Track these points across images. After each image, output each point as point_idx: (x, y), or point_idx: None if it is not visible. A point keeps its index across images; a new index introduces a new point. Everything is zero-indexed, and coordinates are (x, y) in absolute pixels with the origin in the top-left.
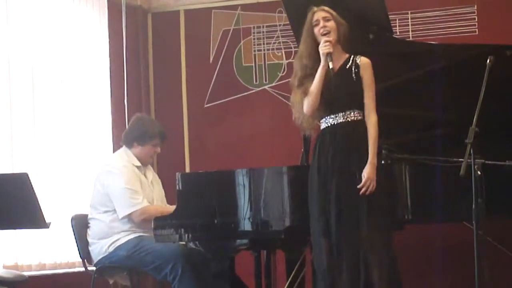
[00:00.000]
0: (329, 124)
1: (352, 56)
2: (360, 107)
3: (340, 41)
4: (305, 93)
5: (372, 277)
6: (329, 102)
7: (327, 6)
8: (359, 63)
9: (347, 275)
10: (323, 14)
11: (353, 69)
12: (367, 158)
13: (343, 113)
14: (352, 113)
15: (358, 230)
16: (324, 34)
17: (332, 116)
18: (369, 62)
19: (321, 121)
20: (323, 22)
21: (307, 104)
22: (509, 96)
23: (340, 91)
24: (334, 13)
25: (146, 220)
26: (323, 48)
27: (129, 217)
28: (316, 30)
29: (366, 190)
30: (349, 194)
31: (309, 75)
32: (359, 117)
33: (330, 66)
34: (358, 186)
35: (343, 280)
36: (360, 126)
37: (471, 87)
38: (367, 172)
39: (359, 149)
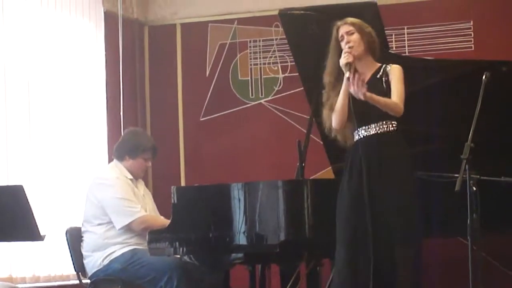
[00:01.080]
0: (362, 136)
1: (383, 66)
2: (392, 117)
3: (369, 51)
4: (332, 109)
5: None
6: (361, 113)
7: (331, 20)
8: (388, 71)
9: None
10: (346, 28)
11: (383, 78)
12: (401, 170)
13: (375, 124)
14: (385, 124)
15: (391, 242)
16: (349, 48)
17: (364, 127)
18: (399, 67)
19: (354, 133)
20: (347, 37)
21: (335, 120)
22: (505, 112)
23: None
24: (357, 22)
25: (146, 229)
26: (341, 60)
27: (128, 227)
28: (342, 45)
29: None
30: (382, 207)
31: (335, 91)
32: (392, 128)
33: (346, 75)
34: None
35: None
36: (393, 137)
37: (466, 102)
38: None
39: (392, 161)
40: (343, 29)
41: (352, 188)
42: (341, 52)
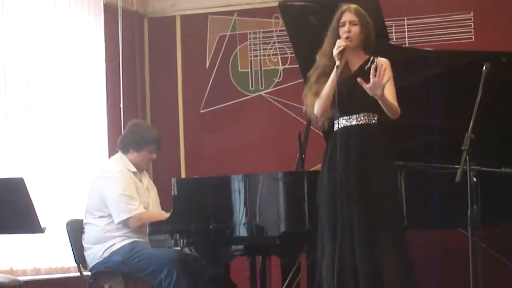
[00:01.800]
0: (342, 126)
1: (372, 58)
2: (375, 110)
3: (363, 45)
4: (317, 94)
5: (385, 278)
6: (343, 103)
7: (330, 12)
8: (377, 65)
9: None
10: (351, 17)
11: (371, 70)
12: (380, 163)
13: (357, 115)
14: (366, 116)
15: (371, 233)
16: (346, 38)
17: (345, 117)
18: (387, 62)
19: (334, 122)
20: (349, 26)
21: (318, 106)
22: (505, 102)
23: (355, 93)
24: (362, 15)
25: (142, 226)
26: (334, 49)
27: (125, 223)
28: (341, 31)
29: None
30: (361, 199)
31: (327, 75)
32: (373, 121)
33: (337, 64)
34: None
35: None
36: (373, 129)
37: (467, 93)
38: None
39: (372, 153)
40: (348, 16)
41: (331, 179)
42: (338, 36)
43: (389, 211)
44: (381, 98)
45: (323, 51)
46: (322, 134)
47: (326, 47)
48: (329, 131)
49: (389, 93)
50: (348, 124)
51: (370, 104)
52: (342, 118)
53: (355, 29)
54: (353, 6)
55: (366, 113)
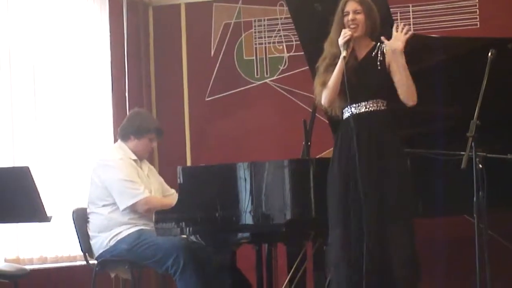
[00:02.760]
0: (351, 113)
1: (378, 44)
2: (384, 96)
3: (369, 33)
4: (324, 84)
5: (394, 264)
6: (352, 91)
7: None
8: (385, 51)
9: (369, 263)
10: (354, 6)
11: (378, 56)
12: (391, 149)
13: (366, 102)
14: (375, 102)
15: (381, 219)
16: (352, 27)
17: (355, 105)
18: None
19: (343, 110)
20: (352, 15)
21: (325, 97)
22: (511, 89)
23: (364, 80)
24: (366, 2)
25: (150, 210)
26: (340, 39)
27: (132, 208)
28: (345, 20)
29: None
30: (372, 186)
31: (336, 64)
32: (382, 107)
33: (343, 54)
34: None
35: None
36: (383, 116)
37: (472, 80)
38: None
39: (382, 139)
40: (352, 5)
41: (342, 166)
42: (343, 25)
43: (401, 198)
44: (400, 53)
45: (330, 41)
46: (329, 123)
47: (333, 37)
48: (338, 121)
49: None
50: (358, 112)
51: (379, 91)
52: (351, 106)
53: (360, 17)
54: None
55: (375, 100)
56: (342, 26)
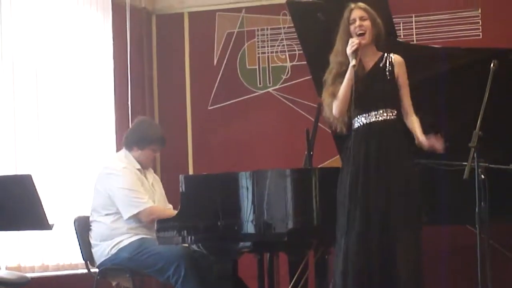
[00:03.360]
0: (362, 123)
1: (385, 55)
2: (393, 106)
3: (374, 41)
4: (334, 95)
5: (398, 273)
6: (361, 101)
7: (339, 8)
8: (393, 62)
9: (377, 273)
10: (360, 13)
11: (387, 67)
12: (401, 158)
13: (376, 112)
14: (385, 112)
15: (392, 228)
16: (360, 34)
17: (365, 115)
18: (403, 61)
19: (353, 120)
20: (359, 21)
21: (336, 107)
22: None
23: (373, 90)
24: (370, 10)
25: (154, 220)
26: (348, 48)
27: (135, 217)
28: (352, 28)
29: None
30: (382, 194)
31: (343, 74)
32: (392, 116)
33: (352, 63)
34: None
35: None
36: (393, 124)
37: (474, 90)
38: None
39: (392, 148)
40: (357, 12)
41: (352, 175)
42: (350, 34)
43: (410, 207)
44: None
45: (336, 52)
46: (332, 136)
47: (339, 48)
48: (341, 134)
49: (406, 94)
50: (368, 121)
51: (389, 100)
52: (361, 116)
53: (367, 24)
54: (360, 3)
55: (384, 109)
56: (349, 35)
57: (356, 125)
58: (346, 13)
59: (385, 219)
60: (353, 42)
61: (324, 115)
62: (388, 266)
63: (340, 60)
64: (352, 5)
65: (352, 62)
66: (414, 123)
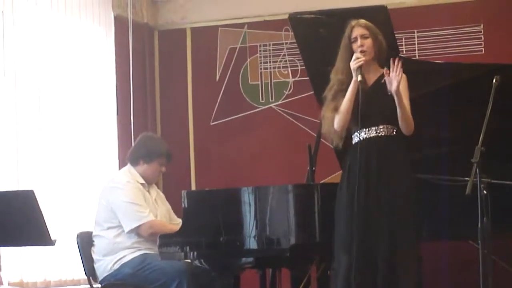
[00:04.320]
0: (361, 139)
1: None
2: (394, 122)
3: (377, 58)
4: (336, 110)
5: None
6: (361, 116)
7: (341, 24)
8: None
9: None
10: (361, 31)
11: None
12: (400, 174)
13: (376, 127)
14: (385, 128)
15: (389, 242)
16: (361, 52)
17: (365, 130)
18: (405, 76)
19: (353, 136)
20: (361, 40)
21: (338, 121)
22: None
23: (374, 105)
24: (371, 27)
25: (154, 234)
26: (352, 64)
27: (136, 231)
28: (354, 46)
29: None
30: (381, 212)
31: (344, 90)
32: (393, 133)
33: (359, 79)
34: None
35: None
36: (393, 141)
37: (477, 106)
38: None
39: (392, 164)
40: (358, 31)
41: (350, 191)
42: (352, 53)
43: (409, 222)
44: (397, 94)
45: (337, 69)
46: (334, 151)
47: (340, 65)
48: (343, 149)
49: (406, 105)
50: (368, 137)
51: (389, 116)
52: (361, 131)
53: (368, 42)
54: (361, 20)
55: (385, 125)
56: (350, 52)
57: (355, 139)
58: (347, 30)
59: (385, 234)
60: (358, 58)
61: (322, 130)
62: (390, 280)
63: (341, 78)
64: (353, 23)
65: (358, 77)
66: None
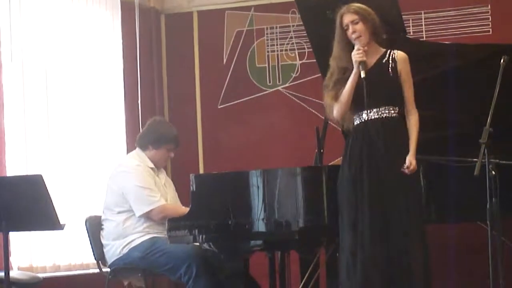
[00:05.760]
0: (362, 120)
1: (389, 51)
2: (395, 103)
3: (373, 37)
4: (336, 98)
5: (410, 267)
6: (363, 97)
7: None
8: (396, 58)
9: (382, 269)
10: (351, 17)
11: (390, 63)
12: (402, 155)
13: (377, 109)
14: (387, 109)
15: (394, 226)
16: (357, 38)
17: (366, 111)
18: (406, 57)
19: (354, 117)
20: (352, 27)
21: (337, 110)
22: None
23: (375, 86)
24: (360, 10)
25: (165, 218)
26: (355, 56)
27: (147, 215)
28: (348, 34)
29: (406, 174)
30: (382, 192)
31: (345, 80)
32: (394, 114)
33: (362, 75)
34: (402, 169)
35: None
36: (394, 122)
37: (485, 87)
38: (411, 161)
39: (392, 146)
40: (348, 17)
41: (352, 172)
42: (348, 40)
43: (411, 203)
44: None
45: (335, 57)
46: (340, 130)
47: (338, 53)
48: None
49: (408, 89)
50: (369, 118)
51: (390, 97)
52: (362, 112)
53: (359, 27)
54: (350, 6)
55: (386, 106)
56: (346, 40)
57: (357, 121)
58: (338, 19)
59: (391, 218)
60: (359, 51)
61: (327, 115)
62: (398, 263)
63: (342, 65)
64: (342, 10)
65: (362, 74)
66: (412, 128)
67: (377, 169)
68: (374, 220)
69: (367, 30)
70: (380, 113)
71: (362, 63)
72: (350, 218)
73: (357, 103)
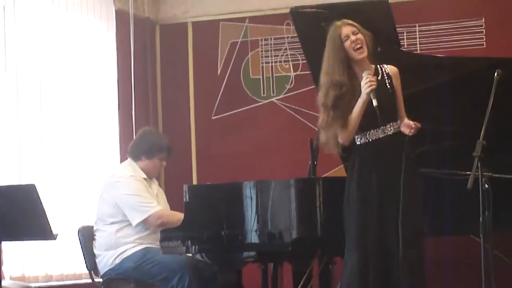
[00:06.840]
0: (369, 140)
1: (379, 66)
2: (396, 118)
3: (369, 53)
4: (343, 125)
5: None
6: (370, 117)
7: (342, 19)
8: (390, 73)
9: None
10: (350, 28)
11: (386, 80)
12: (410, 171)
13: (384, 127)
14: (391, 126)
15: (398, 242)
16: (358, 48)
17: (372, 130)
18: (397, 70)
19: (356, 137)
20: (353, 36)
21: (345, 138)
22: None
23: (380, 106)
24: (357, 25)
25: (163, 224)
26: (367, 85)
27: (144, 223)
28: (347, 44)
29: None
30: (394, 210)
31: (345, 94)
32: (397, 129)
33: (375, 104)
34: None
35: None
36: (398, 138)
37: (478, 100)
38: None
39: (401, 161)
40: (347, 28)
41: (362, 191)
42: (346, 52)
43: (417, 220)
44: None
45: (327, 71)
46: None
47: (329, 67)
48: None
49: (401, 102)
50: (376, 138)
51: (393, 114)
52: (367, 132)
53: (360, 36)
54: (346, 20)
55: (391, 123)
56: (344, 52)
57: (362, 140)
58: (334, 31)
59: (395, 234)
60: (369, 81)
61: (321, 140)
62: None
63: (336, 79)
64: (338, 23)
65: (374, 102)
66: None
67: (388, 188)
68: (381, 239)
69: (367, 42)
70: (386, 131)
71: (373, 92)
72: (357, 237)
73: (361, 124)
